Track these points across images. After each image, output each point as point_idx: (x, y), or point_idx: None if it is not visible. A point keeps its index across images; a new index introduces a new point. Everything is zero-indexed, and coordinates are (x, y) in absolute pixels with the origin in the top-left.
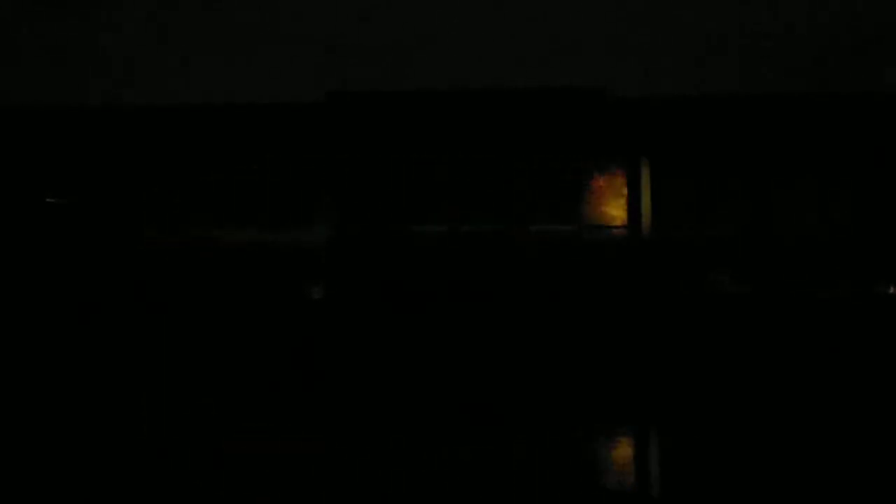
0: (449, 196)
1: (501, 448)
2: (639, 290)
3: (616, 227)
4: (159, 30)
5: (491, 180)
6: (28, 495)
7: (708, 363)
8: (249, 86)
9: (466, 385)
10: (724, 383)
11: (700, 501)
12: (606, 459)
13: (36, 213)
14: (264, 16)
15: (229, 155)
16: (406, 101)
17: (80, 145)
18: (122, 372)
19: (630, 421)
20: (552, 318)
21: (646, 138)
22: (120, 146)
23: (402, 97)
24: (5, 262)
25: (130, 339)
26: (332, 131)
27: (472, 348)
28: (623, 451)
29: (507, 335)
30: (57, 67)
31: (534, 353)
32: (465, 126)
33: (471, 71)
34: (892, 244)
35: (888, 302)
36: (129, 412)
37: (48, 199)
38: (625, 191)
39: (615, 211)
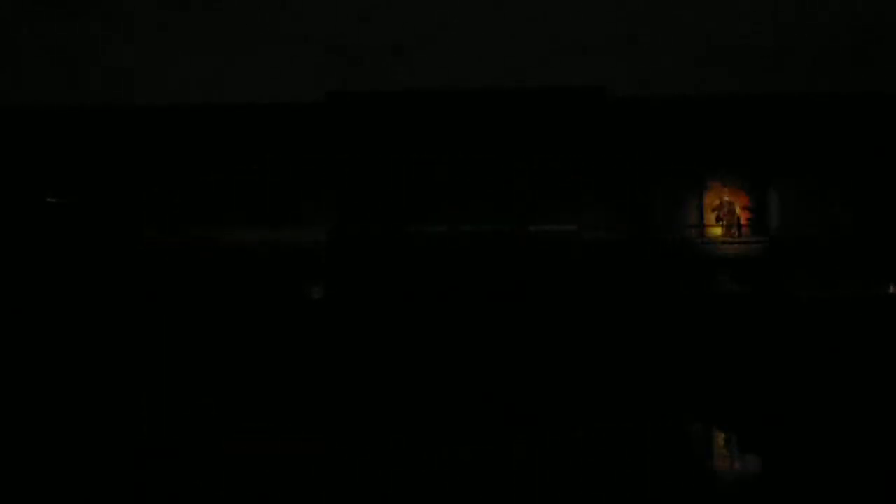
0: (449, 196)
1: (501, 447)
2: (638, 288)
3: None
4: (159, 30)
5: (491, 180)
6: (28, 495)
7: (709, 363)
8: (249, 86)
9: (466, 385)
10: (725, 382)
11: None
12: (607, 460)
13: (36, 213)
14: (264, 16)
15: (229, 155)
16: (406, 101)
17: (80, 145)
18: (122, 372)
19: (629, 419)
20: (552, 317)
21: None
22: (120, 146)
23: (402, 97)
24: (6, 261)
25: (131, 338)
26: (332, 131)
27: (472, 348)
28: (619, 449)
29: (506, 335)
30: (57, 67)
31: (533, 353)
32: (464, 126)
33: (471, 71)
34: None
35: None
36: (129, 412)
37: (48, 199)
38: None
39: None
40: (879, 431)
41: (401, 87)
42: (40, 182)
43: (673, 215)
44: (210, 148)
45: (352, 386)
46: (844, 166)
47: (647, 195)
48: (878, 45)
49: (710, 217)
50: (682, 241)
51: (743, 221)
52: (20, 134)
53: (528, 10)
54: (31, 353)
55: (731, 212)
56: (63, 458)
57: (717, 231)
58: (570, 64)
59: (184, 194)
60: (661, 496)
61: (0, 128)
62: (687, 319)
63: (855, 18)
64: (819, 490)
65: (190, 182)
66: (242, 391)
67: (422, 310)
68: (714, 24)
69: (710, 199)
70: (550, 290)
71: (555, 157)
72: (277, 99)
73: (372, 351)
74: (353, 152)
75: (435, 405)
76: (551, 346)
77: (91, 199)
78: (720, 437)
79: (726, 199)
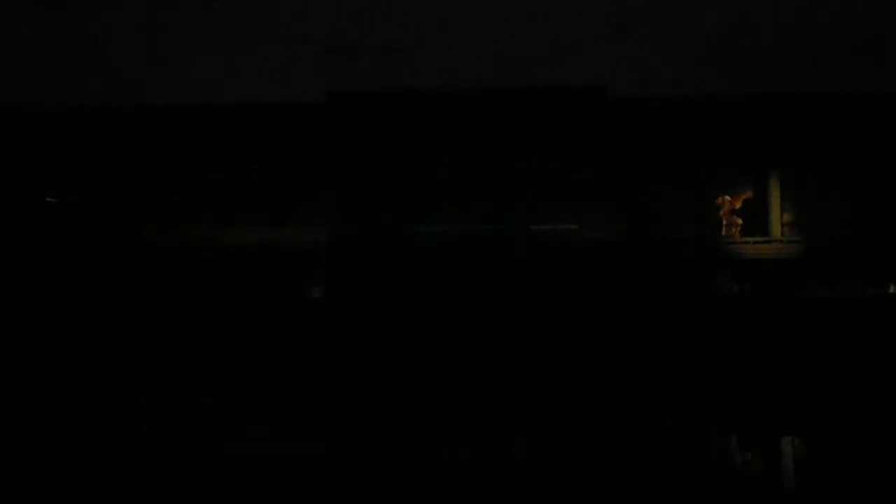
0: (449, 196)
1: (502, 448)
2: (639, 290)
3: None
4: (159, 30)
5: (491, 180)
6: (28, 495)
7: (710, 363)
8: (249, 86)
9: (467, 385)
10: (726, 382)
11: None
12: (607, 460)
13: (36, 213)
14: (264, 15)
15: (229, 155)
16: (406, 100)
17: (80, 145)
18: (122, 372)
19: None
20: (553, 317)
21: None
22: (120, 146)
23: (401, 97)
24: (6, 261)
25: (130, 338)
26: (332, 131)
27: (473, 348)
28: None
29: (507, 335)
30: (57, 67)
31: (534, 354)
32: (465, 126)
33: (471, 71)
34: None
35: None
36: (129, 412)
37: (48, 199)
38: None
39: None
40: (880, 431)
41: (401, 87)
42: (40, 182)
43: (673, 215)
44: (210, 148)
45: (352, 386)
46: (845, 165)
47: (648, 195)
48: (879, 45)
49: (711, 217)
50: (683, 240)
51: (743, 221)
52: (20, 134)
53: (528, 9)
54: (32, 353)
55: (732, 211)
56: (63, 457)
57: (718, 231)
58: (571, 64)
59: (184, 194)
60: (661, 496)
61: (0, 128)
62: (687, 319)
63: (856, 18)
64: (819, 489)
65: (190, 182)
66: (242, 391)
67: (422, 309)
68: (714, 23)
69: (712, 199)
70: (551, 290)
71: (555, 156)
72: (277, 99)
73: (372, 351)
74: (353, 152)
75: (435, 405)
76: (551, 346)
77: (91, 199)
78: (721, 437)
79: (727, 198)
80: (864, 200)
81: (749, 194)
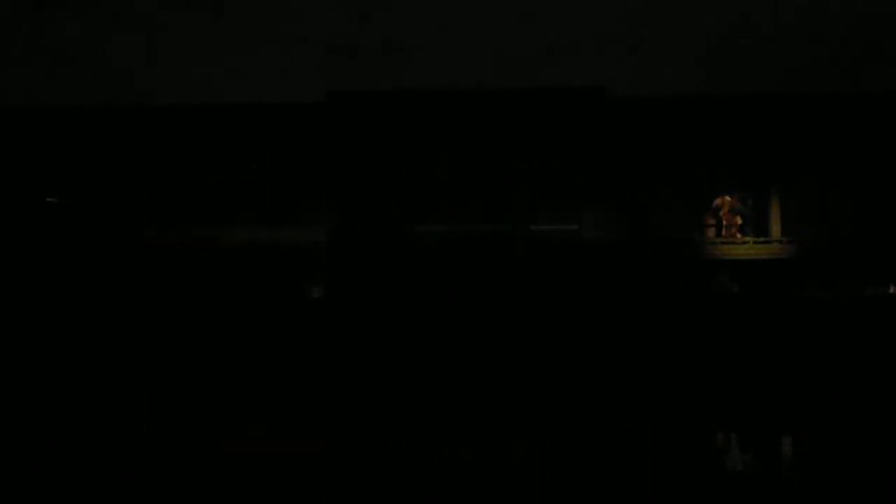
0: (449, 196)
1: (501, 447)
2: (639, 289)
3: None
4: (159, 30)
5: (491, 180)
6: (28, 495)
7: (710, 363)
8: (250, 86)
9: (467, 384)
10: (726, 382)
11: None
12: (607, 460)
13: (36, 213)
14: (264, 15)
15: (229, 155)
16: (406, 100)
17: (80, 145)
18: (122, 372)
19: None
20: (553, 317)
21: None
22: (120, 146)
23: (401, 97)
24: (6, 261)
25: (131, 338)
26: (332, 131)
27: (472, 347)
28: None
29: (506, 334)
30: (57, 67)
31: (534, 353)
32: (464, 126)
33: (470, 71)
34: None
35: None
36: (129, 412)
37: (48, 199)
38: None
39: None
40: (880, 430)
41: (401, 87)
42: (40, 182)
43: (673, 215)
44: (210, 148)
45: (352, 385)
46: (845, 165)
47: (648, 195)
48: (879, 45)
49: (711, 217)
50: (683, 240)
51: (743, 221)
52: (20, 134)
53: (529, 9)
54: (32, 353)
55: (732, 212)
56: (63, 457)
57: (718, 231)
58: (571, 64)
59: (184, 194)
60: (661, 495)
61: (0, 128)
62: (687, 319)
63: (857, 18)
64: (820, 489)
65: (190, 182)
66: (242, 391)
67: (422, 309)
68: (714, 22)
69: (711, 200)
70: (551, 290)
71: (555, 156)
72: (277, 99)
73: (372, 350)
74: (353, 152)
75: (435, 405)
76: (551, 346)
77: (92, 199)
78: (721, 437)
79: (727, 198)
80: (863, 201)
81: (749, 195)
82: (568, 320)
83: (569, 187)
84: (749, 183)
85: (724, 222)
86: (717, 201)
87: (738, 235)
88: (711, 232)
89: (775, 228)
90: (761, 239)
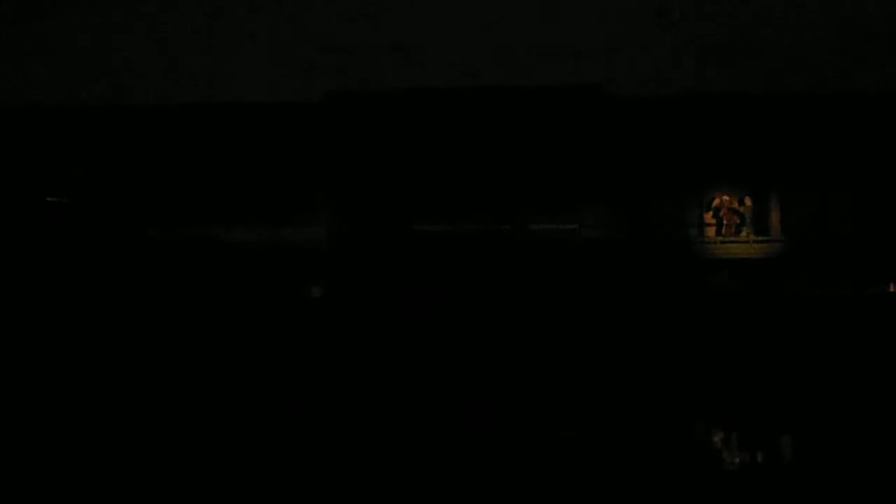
0: (448, 195)
1: (502, 447)
2: (639, 288)
3: None
4: (159, 30)
5: (491, 180)
6: (28, 494)
7: (709, 362)
8: (250, 86)
9: (466, 383)
10: (725, 381)
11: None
12: (606, 460)
13: (36, 213)
14: (264, 16)
15: (229, 155)
16: (404, 100)
17: (80, 145)
18: (122, 370)
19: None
20: (552, 316)
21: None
22: (120, 146)
23: (400, 96)
24: (6, 261)
25: (130, 337)
26: (331, 131)
27: (471, 346)
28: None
29: (506, 333)
30: (57, 67)
31: (533, 352)
32: (464, 125)
33: (470, 71)
34: None
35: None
36: (129, 411)
37: (49, 199)
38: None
39: None
40: (879, 429)
41: (400, 87)
42: (40, 182)
43: (673, 214)
44: (210, 148)
45: (352, 384)
46: (845, 165)
47: (647, 194)
48: (879, 45)
49: (710, 216)
50: (682, 240)
51: (743, 221)
52: (20, 134)
53: (529, 9)
54: (33, 353)
55: (732, 211)
56: (63, 457)
57: (717, 231)
58: (571, 63)
59: (184, 194)
60: (661, 494)
61: (0, 128)
62: (687, 318)
63: (857, 18)
64: (820, 488)
65: (190, 181)
66: (242, 390)
67: (422, 308)
68: (714, 22)
69: (710, 199)
70: (551, 289)
71: (555, 156)
72: (277, 99)
73: (372, 349)
74: (352, 152)
75: (435, 403)
76: (552, 344)
77: (91, 198)
78: (720, 435)
79: (726, 198)
80: (863, 200)
81: (748, 194)
82: (568, 319)
83: (568, 187)
84: (749, 182)
85: (724, 221)
86: (717, 200)
87: (739, 234)
88: (711, 231)
89: (775, 227)
90: (761, 238)
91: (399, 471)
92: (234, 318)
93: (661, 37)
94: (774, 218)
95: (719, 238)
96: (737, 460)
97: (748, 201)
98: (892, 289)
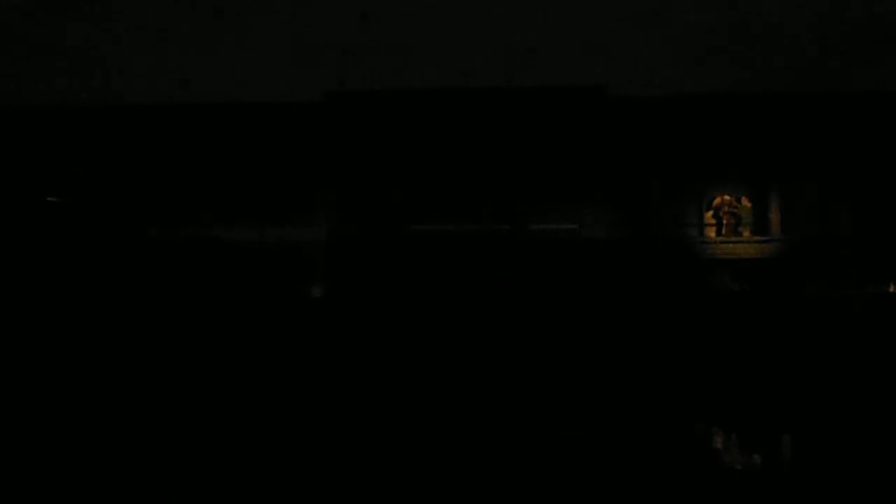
0: (448, 196)
1: (502, 446)
2: (639, 288)
3: None
4: (159, 30)
5: (491, 180)
6: (28, 494)
7: (709, 362)
8: (250, 86)
9: (467, 383)
10: (726, 381)
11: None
12: (606, 460)
13: (36, 213)
14: (263, 16)
15: (229, 155)
16: (405, 100)
17: (80, 145)
18: (122, 370)
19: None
20: (552, 316)
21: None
22: (120, 146)
23: (399, 96)
24: (6, 261)
25: (131, 337)
26: (331, 131)
27: (471, 346)
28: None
29: (506, 333)
30: (57, 67)
31: (533, 352)
32: (464, 125)
33: (470, 71)
34: None
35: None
36: (129, 411)
37: (50, 199)
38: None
39: None
40: (880, 430)
41: (400, 87)
42: (40, 182)
43: (673, 214)
44: (210, 148)
45: (352, 385)
46: (845, 164)
47: (647, 194)
48: (879, 45)
49: (710, 216)
50: (682, 240)
51: (743, 221)
52: (20, 134)
53: (529, 9)
54: (33, 353)
55: (732, 211)
56: (63, 457)
57: (718, 230)
58: (571, 63)
59: (185, 194)
60: (661, 495)
61: (0, 128)
62: (687, 317)
63: (857, 19)
64: (820, 488)
65: (190, 181)
66: (242, 390)
67: (422, 308)
68: (714, 22)
69: (711, 199)
70: (551, 289)
71: (555, 156)
72: (277, 99)
73: (372, 349)
74: (352, 152)
75: (435, 404)
76: (552, 345)
77: (91, 198)
78: (721, 436)
79: (727, 197)
80: (863, 200)
81: (749, 194)
82: (568, 319)
83: (569, 187)
84: (749, 182)
85: (724, 221)
86: (717, 200)
87: (739, 234)
88: (711, 231)
89: (775, 227)
90: (761, 238)
91: (399, 470)
92: (234, 317)
93: (661, 37)
94: (774, 217)
95: (720, 238)
96: (737, 460)
97: (748, 201)
98: (892, 289)
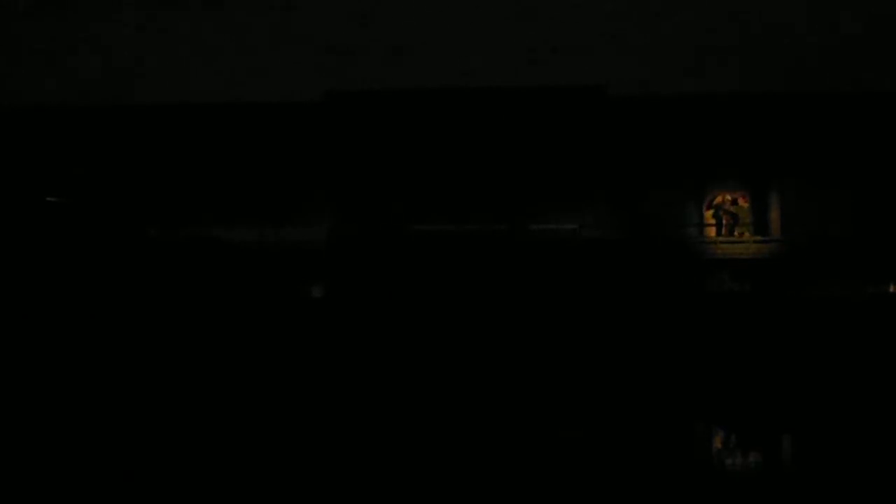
0: (448, 196)
1: (502, 446)
2: (639, 288)
3: None
4: (159, 30)
5: (490, 180)
6: (28, 495)
7: (709, 362)
8: (250, 86)
9: (467, 383)
10: (726, 381)
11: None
12: (606, 460)
13: (36, 213)
14: (263, 15)
15: (229, 155)
16: (405, 100)
17: (80, 145)
18: (122, 370)
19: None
20: (552, 316)
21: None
22: (120, 146)
23: (399, 96)
24: (6, 261)
25: (131, 337)
26: (331, 130)
27: (472, 346)
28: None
29: (507, 333)
30: (57, 67)
31: (533, 352)
32: (464, 125)
33: (471, 71)
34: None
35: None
36: (129, 411)
37: (49, 199)
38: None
39: None
40: (880, 430)
41: (400, 87)
42: (40, 182)
43: (673, 214)
44: (210, 148)
45: (352, 386)
46: (845, 164)
47: (647, 194)
48: (879, 45)
49: (710, 216)
50: (682, 239)
51: (743, 221)
52: (20, 134)
53: (529, 9)
54: (33, 353)
55: (732, 211)
56: (63, 457)
57: (717, 230)
58: (571, 63)
59: (184, 194)
60: (660, 496)
61: (0, 128)
62: (687, 318)
63: (857, 20)
64: (820, 488)
65: (190, 181)
66: (242, 390)
67: (422, 308)
68: (715, 22)
69: (711, 199)
70: (551, 289)
71: (555, 156)
72: (277, 99)
73: (372, 350)
74: (352, 152)
75: (435, 405)
76: (552, 345)
77: (91, 198)
78: (720, 436)
79: (727, 198)
80: (863, 199)
81: (748, 194)
82: (568, 319)
83: (569, 187)
84: (749, 182)
85: (724, 221)
86: (717, 200)
87: (738, 234)
88: (711, 231)
89: (775, 227)
90: (761, 238)
91: (399, 470)
92: (234, 317)
93: (661, 36)
94: (774, 217)
95: (719, 238)
96: (737, 460)
97: (748, 201)
98: (892, 289)
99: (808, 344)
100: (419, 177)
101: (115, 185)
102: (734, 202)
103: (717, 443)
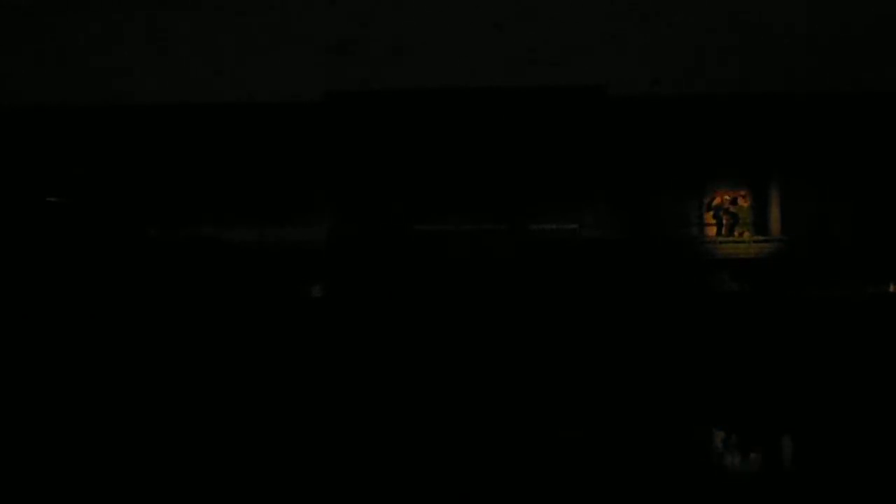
0: (448, 196)
1: (502, 447)
2: (639, 288)
3: None
4: (159, 29)
5: (490, 180)
6: (28, 495)
7: (709, 362)
8: (249, 86)
9: (467, 384)
10: (726, 381)
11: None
12: (606, 460)
13: (36, 213)
14: (263, 15)
15: (229, 155)
16: (405, 100)
17: (80, 145)
18: (122, 370)
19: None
20: (552, 316)
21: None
22: (120, 146)
23: (400, 96)
24: (6, 261)
25: (131, 337)
26: (331, 130)
27: (472, 346)
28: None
29: (507, 333)
30: (57, 67)
31: (533, 352)
32: (464, 125)
33: (471, 71)
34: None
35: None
36: (129, 412)
37: (49, 199)
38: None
39: None
40: (880, 430)
41: (400, 87)
42: (40, 182)
43: (673, 214)
44: (210, 147)
45: (352, 386)
46: (846, 164)
47: (648, 194)
48: (879, 46)
49: (711, 216)
50: (683, 239)
51: (743, 221)
52: (20, 134)
53: (529, 9)
54: (33, 353)
55: (732, 211)
56: (63, 457)
57: (717, 230)
58: (571, 63)
59: (183, 194)
60: (661, 495)
61: (0, 128)
62: (687, 318)
63: (857, 19)
64: (821, 488)
65: (190, 181)
66: (242, 390)
67: (422, 308)
68: (715, 22)
69: (711, 199)
70: (551, 289)
71: (555, 156)
72: (277, 99)
73: (372, 350)
74: (352, 152)
75: (435, 405)
76: (552, 345)
77: (91, 198)
78: (720, 437)
79: (727, 198)
80: (863, 200)
81: (749, 194)
82: (568, 319)
83: (569, 187)
84: (749, 182)
85: (724, 221)
86: (717, 200)
87: (738, 234)
88: (711, 231)
89: (775, 227)
90: (761, 237)
91: (399, 470)
92: (234, 317)
93: (661, 36)
94: (774, 217)
95: (720, 238)
96: (737, 460)
97: (748, 201)
98: (892, 289)
99: (808, 344)
100: (419, 177)
101: (115, 185)
102: (734, 202)
103: (718, 442)
